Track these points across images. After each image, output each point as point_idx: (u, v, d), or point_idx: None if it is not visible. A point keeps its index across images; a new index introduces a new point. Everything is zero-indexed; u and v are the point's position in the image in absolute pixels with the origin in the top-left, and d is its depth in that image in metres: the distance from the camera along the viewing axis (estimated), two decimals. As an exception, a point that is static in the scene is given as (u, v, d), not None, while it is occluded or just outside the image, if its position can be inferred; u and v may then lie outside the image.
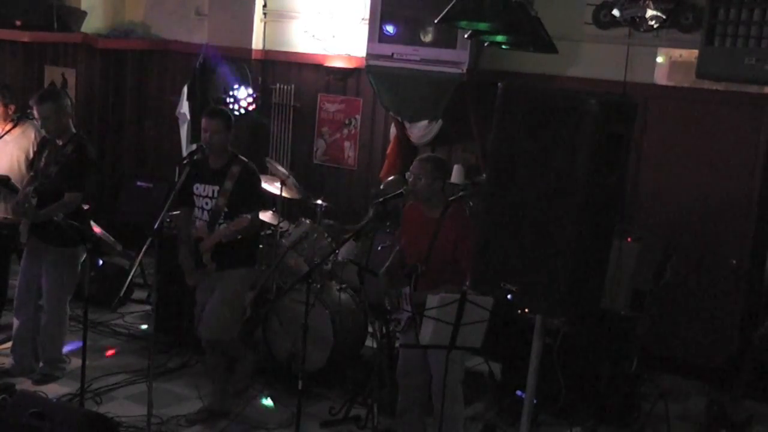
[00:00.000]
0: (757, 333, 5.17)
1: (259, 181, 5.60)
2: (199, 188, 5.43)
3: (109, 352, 6.58)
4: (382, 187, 7.11)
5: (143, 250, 4.81)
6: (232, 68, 8.43)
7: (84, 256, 5.81)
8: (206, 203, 5.39)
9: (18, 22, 8.44)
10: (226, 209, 5.32)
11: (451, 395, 4.80)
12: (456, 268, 4.84)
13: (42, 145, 5.93)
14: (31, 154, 6.13)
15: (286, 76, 8.50)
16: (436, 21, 5.33)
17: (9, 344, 6.11)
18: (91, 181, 5.86)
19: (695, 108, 6.74)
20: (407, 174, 5.08)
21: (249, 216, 5.32)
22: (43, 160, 5.81)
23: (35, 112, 5.80)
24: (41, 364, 6.02)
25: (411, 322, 4.93)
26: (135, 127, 9.45)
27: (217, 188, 5.34)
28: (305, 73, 8.41)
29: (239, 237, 5.35)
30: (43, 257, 5.84)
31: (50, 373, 5.98)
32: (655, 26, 6.65)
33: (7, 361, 6.03)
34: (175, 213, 6.52)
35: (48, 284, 5.88)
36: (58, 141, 5.77)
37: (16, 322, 6.01)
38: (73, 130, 5.83)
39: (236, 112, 7.98)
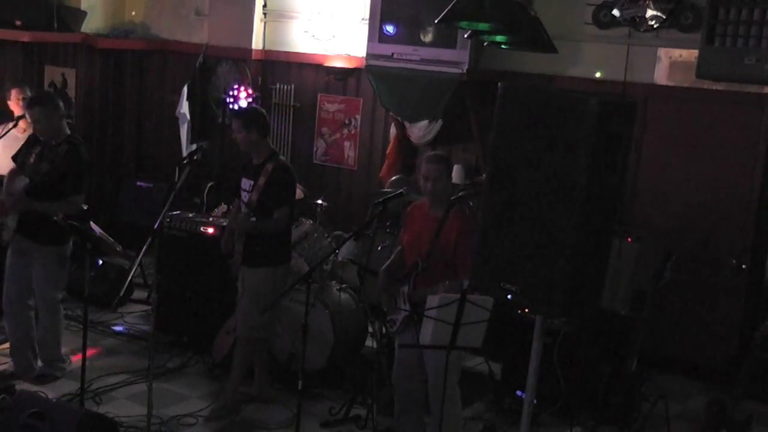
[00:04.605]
0: (757, 333, 5.16)
1: (291, 180, 5.66)
2: (243, 182, 5.66)
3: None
4: (387, 187, 7.11)
5: (143, 250, 4.83)
6: (232, 68, 8.43)
7: (70, 252, 5.83)
8: (245, 196, 5.61)
9: (18, 22, 8.45)
10: (256, 204, 5.51)
11: (449, 396, 4.78)
12: (456, 267, 4.83)
13: (33, 141, 5.89)
14: None
15: (286, 76, 8.50)
16: (436, 21, 5.33)
17: (8, 344, 6.10)
18: (88, 181, 5.87)
19: (695, 108, 6.74)
20: (420, 176, 5.05)
21: (242, 214, 5.52)
22: (33, 156, 5.78)
23: (27, 116, 5.83)
24: (41, 364, 6.02)
25: (408, 321, 4.92)
26: (135, 127, 9.45)
27: (252, 182, 5.55)
28: (305, 73, 8.40)
29: (256, 234, 5.51)
30: (32, 257, 5.81)
31: (50, 373, 5.97)
32: (655, 26, 6.65)
33: (7, 362, 6.02)
34: (175, 213, 6.57)
35: (40, 284, 5.85)
36: (52, 141, 5.77)
37: (7, 325, 5.98)
38: (68, 131, 5.81)
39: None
